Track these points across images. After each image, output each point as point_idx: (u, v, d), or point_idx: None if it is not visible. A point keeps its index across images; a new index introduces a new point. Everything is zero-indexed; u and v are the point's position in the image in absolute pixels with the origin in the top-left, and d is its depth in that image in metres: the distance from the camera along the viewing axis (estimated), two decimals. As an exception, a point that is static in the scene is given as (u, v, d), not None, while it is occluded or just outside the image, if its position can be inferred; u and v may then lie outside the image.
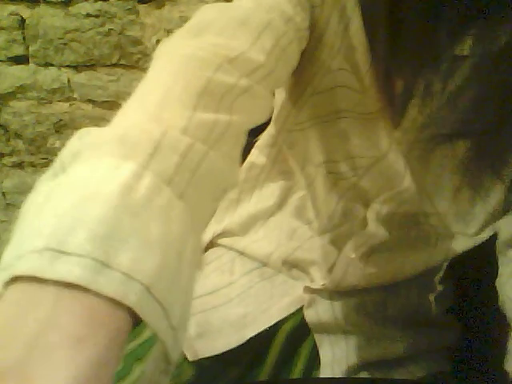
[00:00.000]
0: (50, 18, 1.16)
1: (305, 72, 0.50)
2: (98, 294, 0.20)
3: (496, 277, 0.53)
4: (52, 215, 0.22)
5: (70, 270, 0.20)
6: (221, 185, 0.31)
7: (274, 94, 0.42)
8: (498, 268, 0.53)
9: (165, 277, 0.23)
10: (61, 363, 0.19)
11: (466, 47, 0.44)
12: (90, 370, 0.19)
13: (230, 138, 0.32)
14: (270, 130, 0.62)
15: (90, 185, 0.23)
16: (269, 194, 0.64)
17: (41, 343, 0.19)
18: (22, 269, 0.21)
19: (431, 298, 0.62)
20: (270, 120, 0.61)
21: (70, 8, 1.14)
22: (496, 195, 0.53)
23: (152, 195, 0.24)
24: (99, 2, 1.13)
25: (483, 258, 0.59)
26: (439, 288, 0.63)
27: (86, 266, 0.20)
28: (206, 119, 0.31)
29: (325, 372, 0.56)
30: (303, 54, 0.46)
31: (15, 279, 0.21)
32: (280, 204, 0.64)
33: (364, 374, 0.57)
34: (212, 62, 0.33)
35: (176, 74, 0.32)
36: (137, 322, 0.22)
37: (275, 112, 0.57)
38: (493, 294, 0.53)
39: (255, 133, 0.64)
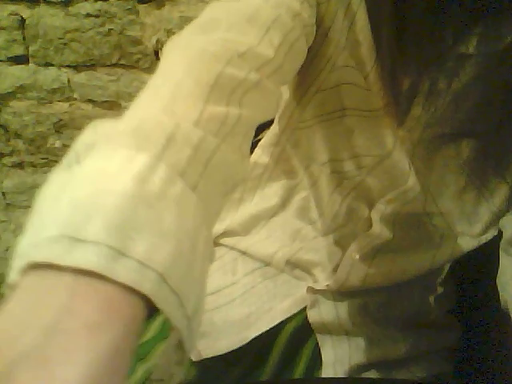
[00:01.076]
0: (49, 18, 1.16)
1: (310, 69, 0.50)
2: (113, 282, 0.21)
3: (496, 277, 0.53)
4: (68, 205, 0.22)
5: (86, 257, 0.21)
6: (231, 178, 0.31)
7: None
8: (498, 268, 0.53)
9: (179, 266, 0.23)
10: (78, 349, 0.19)
11: (471, 46, 0.44)
12: (106, 356, 0.20)
13: (240, 131, 0.33)
14: (274, 128, 0.62)
15: (105, 176, 0.24)
16: (271, 193, 0.64)
17: (58, 329, 0.19)
18: (39, 256, 0.21)
19: (433, 299, 0.62)
20: (273, 119, 0.61)
21: (70, 8, 1.14)
22: (500, 195, 0.53)
23: (166, 186, 0.24)
24: (99, 2, 1.13)
25: (483, 258, 0.59)
26: (440, 289, 0.63)
27: (102, 254, 0.21)
28: (217, 112, 0.31)
29: (327, 372, 0.56)
30: (309, 50, 0.46)
31: (32, 266, 0.21)
32: (283, 204, 0.64)
33: (365, 375, 0.57)
34: (222, 57, 0.34)
35: (188, 68, 0.33)
36: (150, 312, 0.22)
37: (279, 110, 0.58)
38: (493, 294, 0.53)
39: (258, 132, 0.64)
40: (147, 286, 0.21)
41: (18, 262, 0.22)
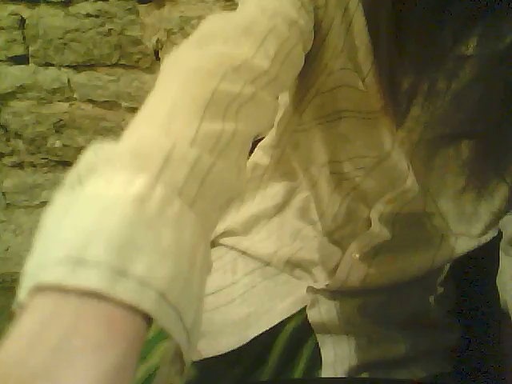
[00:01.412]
0: (50, 18, 1.16)
1: (308, 73, 0.50)
2: (116, 301, 0.22)
3: (496, 277, 0.53)
4: (72, 227, 0.24)
5: (89, 278, 0.22)
6: (227, 193, 0.32)
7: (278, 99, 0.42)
8: (497, 268, 0.53)
9: (178, 283, 0.24)
10: (84, 367, 0.20)
11: (470, 46, 0.44)
12: (111, 373, 0.21)
13: (236, 146, 0.33)
14: (274, 130, 0.62)
15: (106, 198, 0.25)
16: (273, 194, 0.65)
17: (65, 349, 0.20)
18: (45, 278, 0.22)
19: (433, 299, 0.62)
20: (273, 120, 0.61)
21: (69, 8, 1.14)
22: (500, 195, 0.53)
23: (164, 206, 0.25)
24: (99, 2, 1.13)
25: (483, 258, 0.59)
26: (440, 289, 0.63)
27: (104, 275, 0.22)
28: (212, 129, 0.32)
29: (326, 372, 0.56)
30: (307, 55, 0.46)
31: (39, 288, 0.22)
32: (283, 205, 0.64)
33: (365, 375, 0.57)
34: (217, 72, 0.35)
35: (183, 87, 0.34)
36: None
37: (279, 113, 0.58)
38: (493, 294, 0.53)
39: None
40: (147, 304, 0.22)
41: (25, 283, 0.23)
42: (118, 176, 0.26)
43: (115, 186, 0.25)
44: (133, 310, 0.22)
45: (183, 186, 0.27)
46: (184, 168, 0.28)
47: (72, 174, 0.28)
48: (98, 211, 0.24)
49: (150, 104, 0.34)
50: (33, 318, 0.22)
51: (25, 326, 0.21)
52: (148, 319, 0.23)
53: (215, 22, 0.40)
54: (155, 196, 0.25)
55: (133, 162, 0.27)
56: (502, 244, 0.54)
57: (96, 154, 0.28)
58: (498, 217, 0.55)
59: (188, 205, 0.27)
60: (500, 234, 0.56)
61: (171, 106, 0.32)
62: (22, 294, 0.23)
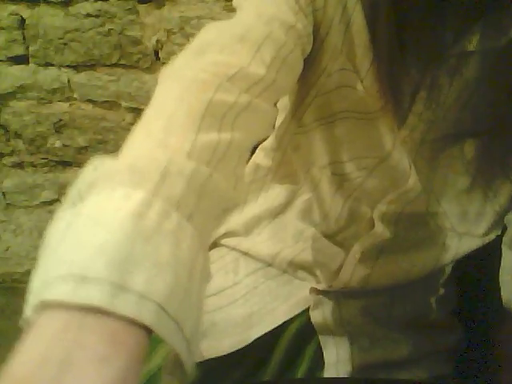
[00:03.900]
0: (50, 18, 1.16)
1: (308, 75, 0.50)
2: (117, 316, 0.23)
3: (497, 278, 0.53)
4: (73, 244, 0.25)
5: (90, 294, 0.23)
6: (224, 204, 0.33)
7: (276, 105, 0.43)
8: (499, 268, 0.53)
9: (177, 294, 0.25)
10: (90, 380, 0.21)
11: (472, 42, 0.44)
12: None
13: (233, 156, 0.34)
14: (274, 133, 0.62)
15: (105, 214, 0.26)
16: (275, 195, 0.64)
17: (71, 363, 0.21)
18: (50, 295, 0.23)
19: (435, 300, 0.62)
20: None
21: (70, 8, 1.14)
22: (504, 194, 0.54)
23: (162, 220, 0.26)
24: (99, 2, 1.13)
25: (485, 259, 0.59)
26: (442, 290, 0.63)
27: (105, 291, 0.23)
28: (208, 141, 0.32)
29: (329, 373, 0.56)
30: (307, 57, 0.46)
31: (44, 305, 0.23)
32: (285, 206, 0.64)
33: (367, 376, 0.57)
34: (212, 83, 0.35)
35: (179, 99, 0.34)
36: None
37: (279, 116, 0.58)
38: (495, 295, 0.53)
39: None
40: (147, 317, 0.23)
41: (31, 299, 0.24)
42: (117, 192, 0.27)
43: (114, 201, 0.26)
44: (133, 322, 0.23)
45: (180, 199, 0.28)
46: (181, 181, 0.28)
47: (73, 190, 0.29)
48: (97, 228, 0.25)
49: (148, 117, 0.34)
50: (39, 334, 0.23)
51: (32, 343, 0.22)
52: (149, 330, 0.24)
53: (212, 31, 0.41)
54: (153, 210, 0.26)
55: (131, 178, 0.27)
56: (506, 239, 0.54)
57: (96, 169, 0.29)
58: (501, 216, 0.55)
59: (185, 217, 0.28)
60: (501, 233, 0.56)
61: (168, 120, 0.33)
62: (28, 311, 0.24)
